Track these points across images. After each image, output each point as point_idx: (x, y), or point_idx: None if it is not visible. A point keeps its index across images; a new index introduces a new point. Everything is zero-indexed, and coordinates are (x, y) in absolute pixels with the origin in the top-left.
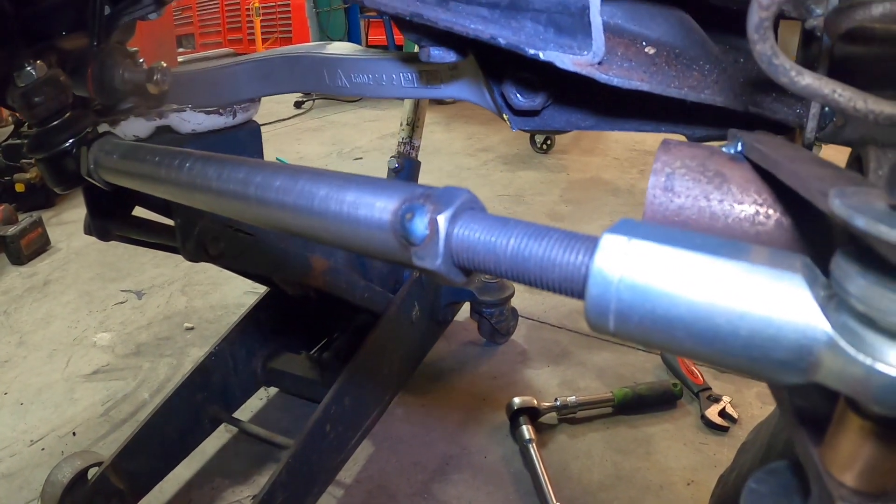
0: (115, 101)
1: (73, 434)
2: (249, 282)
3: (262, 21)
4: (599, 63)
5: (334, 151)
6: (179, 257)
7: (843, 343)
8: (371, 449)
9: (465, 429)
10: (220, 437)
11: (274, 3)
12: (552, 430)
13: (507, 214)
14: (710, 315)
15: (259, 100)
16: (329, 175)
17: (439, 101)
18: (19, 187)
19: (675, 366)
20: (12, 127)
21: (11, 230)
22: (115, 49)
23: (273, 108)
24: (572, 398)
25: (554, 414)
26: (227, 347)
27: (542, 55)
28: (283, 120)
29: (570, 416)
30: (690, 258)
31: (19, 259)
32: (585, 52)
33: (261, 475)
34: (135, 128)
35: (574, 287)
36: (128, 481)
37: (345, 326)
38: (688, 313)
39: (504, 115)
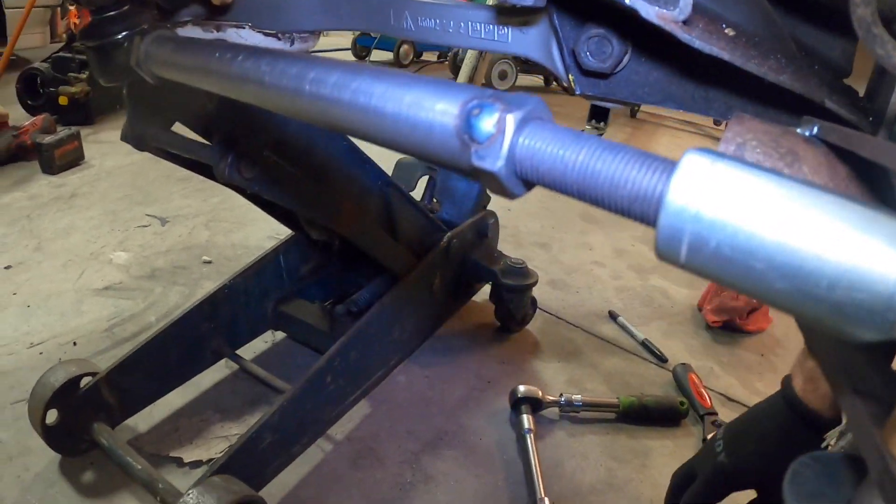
0: (176, 5)
1: (74, 344)
2: (273, 226)
3: None
4: (684, 22)
5: None
6: (209, 192)
7: None
8: (368, 409)
9: (464, 407)
10: (218, 371)
11: None
12: (552, 425)
13: (530, 207)
14: (795, 247)
15: (319, 34)
16: (390, 72)
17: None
18: (63, 100)
19: (685, 385)
20: (65, 42)
21: (48, 139)
22: None
23: None
24: (577, 397)
25: (556, 409)
26: (242, 283)
27: (628, 0)
28: None
29: (572, 413)
30: (779, 183)
31: (51, 168)
32: (672, 8)
33: (252, 416)
34: (191, 36)
35: (646, 207)
36: (119, 397)
37: (363, 284)
38: (771, 243)
39: (570, 76)
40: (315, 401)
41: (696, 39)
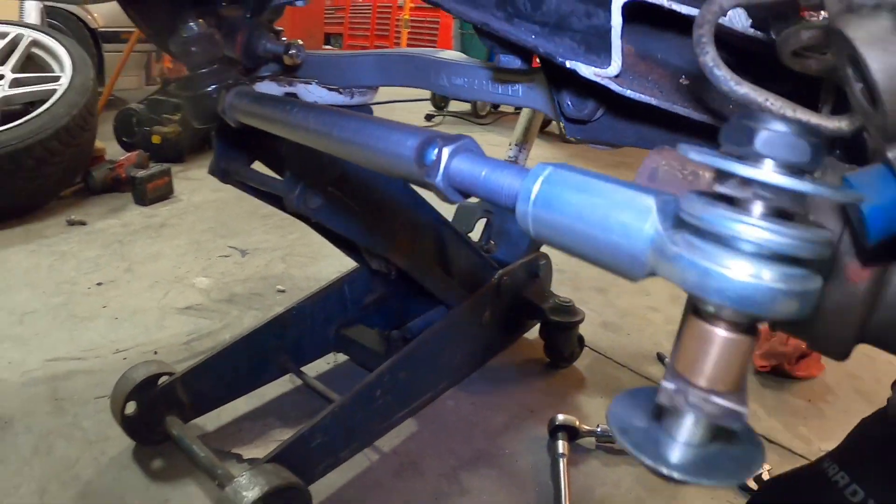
0: (256, 65)
1: (155, 353)
2: (345, 263)
3: (409, 33)
4: (617, 76)
5: None
6: (288, 228)
7: (671, 244)
8: (415, 427)
9: (505, 432)
10: (282, 385)
11: (424, 18)
12: (588, 453)
13: None
14: (589, 219)
15: (376, 89)
16: (383, 122)
17: (563, 139)
18: (156, 139)
19: None
20: (160, 85)
21: (141, 173)
22: (263, 23)
23: (405, 116)
24: None
25: (593, 439)
26: (309, 307)
27: (567, 63)
28: None
29: (608, 444)
30: (584, 180)
31: (143, 200)
32: (606, 67)
33: None
34: (267, 89)
35: (512, 202)
36: (191, 397)
37: (419, 314)
38: (575, 217)
39: (560, 122)
40: (364, 412)
41: (626, 90)
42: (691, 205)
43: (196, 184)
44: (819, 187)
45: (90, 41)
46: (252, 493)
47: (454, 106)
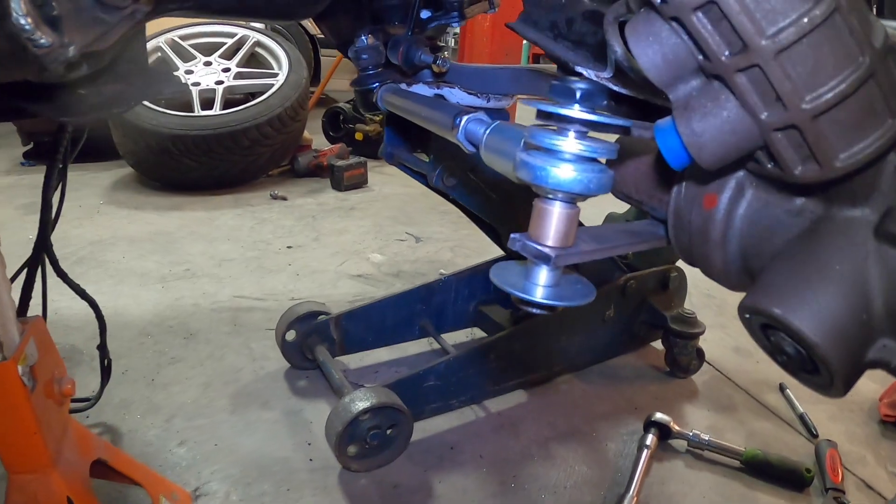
0: (414, 71)
1: (324, 304)
2: None
3: None
4: (611, 77)
5: None
6: (461, 224)
7: (521, 156)
8: (524, 398)
9: (604, 420)
10: (420, 345)
11: None
12: (675, 453)
13: None
14: (499, 144)
15: (513, 96)
16: (440, 103)
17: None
18: (358, 136)
19: (822, 457)
20: None
21: (340, 163)
22: (421, 39)
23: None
24: (705, 436)
25: (685, 442)
26: (455, 281)
27: (577, 68)
28: None
29: (697, 450)
30: (503, 126)
31: (339, 186)
32: (604, 71)
33: None
34: (421, 90)
35: (479, 141)
36: (342, 336)
37: None
38: (496, 142)
39: None
40: (476, 369)
41: (618, 86)
42: (531, 133)
43: (388, 178)
44: (589, 116)
45: (309, 45)
46: (362, 404)
47: None
